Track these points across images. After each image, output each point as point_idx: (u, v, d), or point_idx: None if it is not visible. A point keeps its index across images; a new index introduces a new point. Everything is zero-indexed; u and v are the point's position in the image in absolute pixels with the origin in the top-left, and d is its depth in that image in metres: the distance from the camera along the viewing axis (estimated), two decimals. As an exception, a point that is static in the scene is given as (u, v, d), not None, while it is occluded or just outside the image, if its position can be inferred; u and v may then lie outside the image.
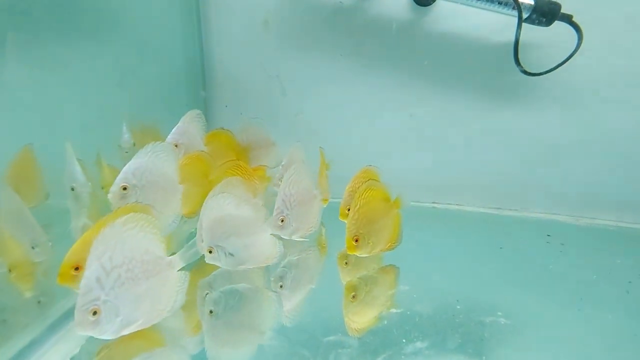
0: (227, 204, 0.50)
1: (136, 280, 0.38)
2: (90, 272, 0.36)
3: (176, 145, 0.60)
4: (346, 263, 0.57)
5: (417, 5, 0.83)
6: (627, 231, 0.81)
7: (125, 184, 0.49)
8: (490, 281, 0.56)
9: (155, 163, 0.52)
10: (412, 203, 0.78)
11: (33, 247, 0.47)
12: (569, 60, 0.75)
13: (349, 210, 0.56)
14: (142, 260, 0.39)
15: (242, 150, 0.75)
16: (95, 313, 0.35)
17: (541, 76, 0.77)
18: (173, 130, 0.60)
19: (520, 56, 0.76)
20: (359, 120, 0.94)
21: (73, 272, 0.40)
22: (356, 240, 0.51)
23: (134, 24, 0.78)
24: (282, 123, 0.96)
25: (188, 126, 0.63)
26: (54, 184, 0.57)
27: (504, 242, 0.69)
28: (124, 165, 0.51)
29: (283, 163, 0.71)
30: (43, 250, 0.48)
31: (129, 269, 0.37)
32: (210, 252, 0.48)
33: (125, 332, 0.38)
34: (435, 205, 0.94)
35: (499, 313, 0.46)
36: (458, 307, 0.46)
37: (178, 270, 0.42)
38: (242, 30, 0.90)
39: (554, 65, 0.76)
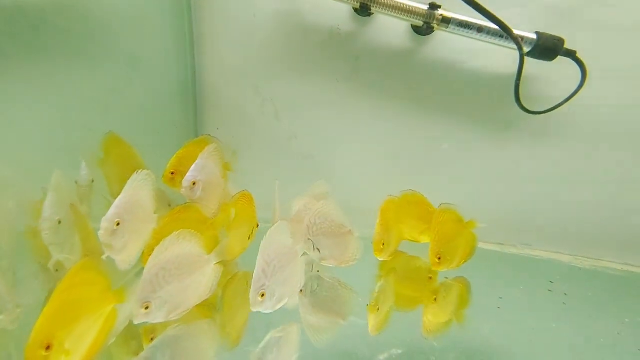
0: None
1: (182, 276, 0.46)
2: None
3: (194, 183, 0.57)
4: (378, 309, 0.56)
5: (416, 35, 0.81)
6: (632, 277, 0.76)
7: (119, 220, 0.46)
8: (487, 342, 0.51)
9: (140, 194, 0.50)
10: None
11: None
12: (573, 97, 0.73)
13: (383, 245, 0.61)
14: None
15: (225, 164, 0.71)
16: (147, 308, 0.43)
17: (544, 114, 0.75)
18: (192, 167, 0.57)
19: (521, 91, 0.73)
20: (353, 146, 0.91)
21: (43, 353, 0.35)
22: (439, 258, 0.59)
23: (123, 45, 0.75)
24: (275, 147, 0.93)
25: (206, 162, 0.59)
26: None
27: (505, 288, 0.65)
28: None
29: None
30: (9, 318, 0.42)
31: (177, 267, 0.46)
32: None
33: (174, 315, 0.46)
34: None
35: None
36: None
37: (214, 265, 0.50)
38: (235, 52, 0.88)
39: (556, 101, 0.74)
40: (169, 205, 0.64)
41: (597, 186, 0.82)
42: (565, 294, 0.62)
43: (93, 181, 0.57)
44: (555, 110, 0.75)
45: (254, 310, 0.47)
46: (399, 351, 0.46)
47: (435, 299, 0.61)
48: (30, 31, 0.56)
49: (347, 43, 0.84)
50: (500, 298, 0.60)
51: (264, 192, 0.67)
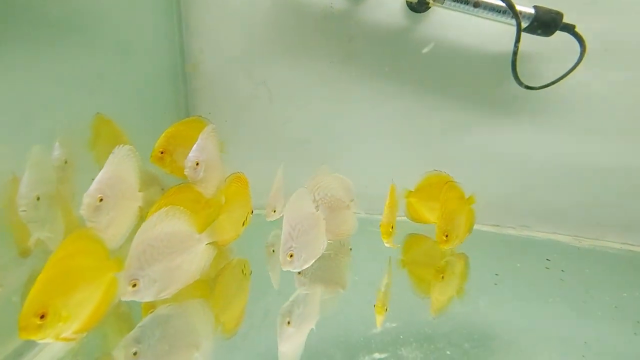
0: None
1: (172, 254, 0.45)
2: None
3: (197, 164, 0.56)
4: (386, 309, 0.54)
5: (411, 12, 0.79)
6: (632, 255, 0.76)
7: (101, 195, 0.44)
8: (483, 316, 0.51)
9: (122, 170, 0.49)
10: (404, 219, 0.74)
11: None
12: (571, 73, 0.71)
13: (392, 228, 0.60)
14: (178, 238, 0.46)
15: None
16: (135, 285, 0.42)
17: (542, 89, 0.73)
18: (194, 147, 0.57)
19: (519, 67, 0.72)
20: (350, 129, 0.89)
21: (38, 322, 0.35)
22: (446, 236, 0.59)
23: (110, 28, 0.73)
24: (269, 132, 0.91)
25: (206, 142, 0.59)
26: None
27: (501, 266, 0.64)
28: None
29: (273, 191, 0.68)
30: None
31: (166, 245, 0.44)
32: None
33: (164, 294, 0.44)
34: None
35: None
36: (448, 352, 0.41)
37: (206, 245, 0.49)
38: (226, 34, 0.86)
39: (554, 79, 0.72)
40: (162, 190, 0.63)
41: (596, 166, 0.81)
42: (563, 271, 0.62)
43: (66, 162, 0.55)
44: (554, 89, 0.74)
45: (285, 269, 0.51)
46: (393, 324, 0.46)
47: (443, 277, 0.61)
48: (13, 13, 0.54)
49: (341, 22, 0.82)
50: (497, 275, 0.59)
51: (258, 179, 0.66)
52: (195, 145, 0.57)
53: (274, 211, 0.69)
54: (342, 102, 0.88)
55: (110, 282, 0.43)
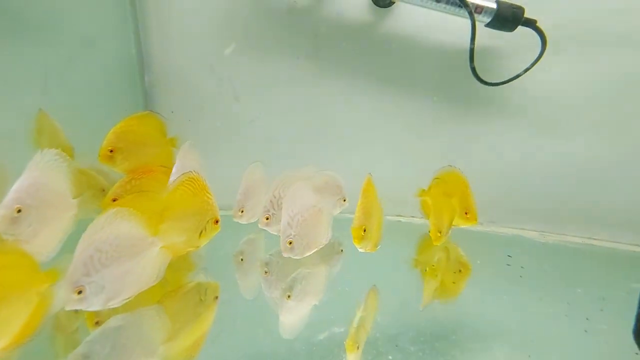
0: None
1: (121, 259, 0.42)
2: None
3: None
4: (358, 347, 0.47)
5: (375, 7, 0.78)
6: (592, 250, 0.77)
7: (19, 206, 0.41)
8: (432, 316, 0.50)
9: (48, 176, 0.45)
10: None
11: None
12: (534, 67, 0.71)
13: (365, 231, 0.54)
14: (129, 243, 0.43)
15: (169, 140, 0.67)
16: (80, 292, 0.39)
17: (505, 84, 0.73)
18: (173, 170, 0.54)
19: (483, 63, 0.71)
20: (317, 126, 0.88)
21: None
22: (439, 232, 0.63)
23: (62, 22, 0.69)
24: (235, 130, 0.89)
25: (185, 162, 0.56)
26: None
27: (462, 263, 0.64)
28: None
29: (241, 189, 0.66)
30: None
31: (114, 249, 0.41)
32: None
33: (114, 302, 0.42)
34: (400, 218, 0.89)
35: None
36: (390, 357, 0.40)
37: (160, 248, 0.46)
38: (187, 30, 0.82)
39: (515, 74, 0.72)
40: (103, 191, 0.60)
41: (561, 161, 0.82)
42: (522, 267, 0.62)
43: None
44: (518, 85, 0.74)
45: (285, 256, 0.52)
46: (341, 329, 0.44)
47: (437, 275, 0.62)
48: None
49: (306, 18, 0.80)
50: (454, 273, 0.59)
51: (223, 180, 0.63)
52: (174, 168, 0.55)
53: (242, 211, 0.67)
54: (309, 98, 0.86)
55: (43, 295, 0.40)
